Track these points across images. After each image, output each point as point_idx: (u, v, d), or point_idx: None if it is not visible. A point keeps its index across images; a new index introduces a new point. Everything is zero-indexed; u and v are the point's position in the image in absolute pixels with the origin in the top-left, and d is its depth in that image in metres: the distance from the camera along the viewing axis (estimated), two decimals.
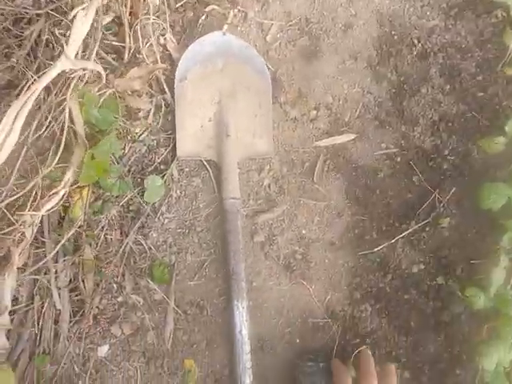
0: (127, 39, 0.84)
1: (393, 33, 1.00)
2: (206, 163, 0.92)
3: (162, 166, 0.90)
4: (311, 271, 0.90)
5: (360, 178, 0.94)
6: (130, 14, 0.85)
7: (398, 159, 0.95)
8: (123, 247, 0.85)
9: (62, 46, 0.62)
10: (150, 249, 0.87)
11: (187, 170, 0.92)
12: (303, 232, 0.92)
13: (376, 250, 0.90)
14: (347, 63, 0.99)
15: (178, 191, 0.90)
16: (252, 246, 0.90)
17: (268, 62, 0.96)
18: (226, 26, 0.94)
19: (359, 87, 0.98)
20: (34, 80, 0.58)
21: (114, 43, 0.86)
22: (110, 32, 0.86)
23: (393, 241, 0.90)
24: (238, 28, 0.96)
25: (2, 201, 0.64)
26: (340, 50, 0.99)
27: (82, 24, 0.63)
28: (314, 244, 0.92)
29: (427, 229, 0.91)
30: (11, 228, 0.67)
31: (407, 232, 0.90)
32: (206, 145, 0.92)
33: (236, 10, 0.96)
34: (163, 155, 0.90)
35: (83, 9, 0.63)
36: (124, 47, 0.85)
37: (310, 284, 0.90)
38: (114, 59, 0.85)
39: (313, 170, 0.94)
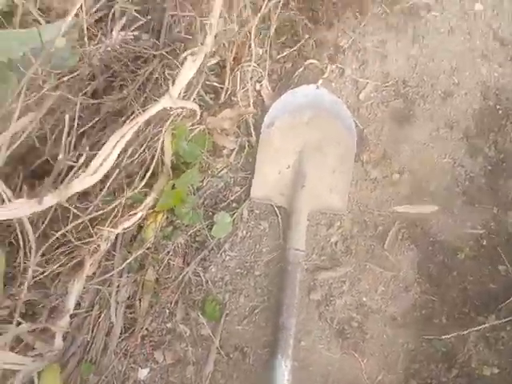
0: (226, 82, 0.90)
1: (497, 107, 0.95)
2: (276, 209, 0.92)
3: (233, 204, 0.92)
4: (366, 344, 0.84)
5: (437, 254, 0.87)
6: (233, 60, 0.91)
7: (484, 242, 0.87)
8: (183, 275, 0.88)
9: (168, 86, 0.68)
10: (206, 282, 0.88)
11: (257, 212, 0.92)
12: (364, 299, 0.87)
13: (444, 337, 0.82)
14: (441, 131, 0.95)
15: (245, 231, 0.91)
16: (307, 302, 0.87)
17: (357, 119, 0.95)
18: (320, 80, 0.96)
19: (450, 158, 0.93)
20: (139, 113, 0.64)
21: (214, 84, 0.92)
22: (213, 73, 0.93)
23: (465, 332, 0.81)
24: (333, 84, 0.98)
25: (88, 214, 0.70)
26: (435, 118, 0.95)
27: (189, 69, 0.69)
28: (374, 315, 0.86)
29: (508, 328, 0.81)
30: (89, 239, 0.72)
31: (483, 326, 0.81)
32: (280, 191, 0.92)
33: (334, 66, 0.98)
34: (237, 193, 0.93)
35: (192, 54, 0.69)
36: (222, 88, 0.91)
37: (362, 357, 0.83)
38: (211, 98, 0.91)
39: (385, 235, 0.89)
